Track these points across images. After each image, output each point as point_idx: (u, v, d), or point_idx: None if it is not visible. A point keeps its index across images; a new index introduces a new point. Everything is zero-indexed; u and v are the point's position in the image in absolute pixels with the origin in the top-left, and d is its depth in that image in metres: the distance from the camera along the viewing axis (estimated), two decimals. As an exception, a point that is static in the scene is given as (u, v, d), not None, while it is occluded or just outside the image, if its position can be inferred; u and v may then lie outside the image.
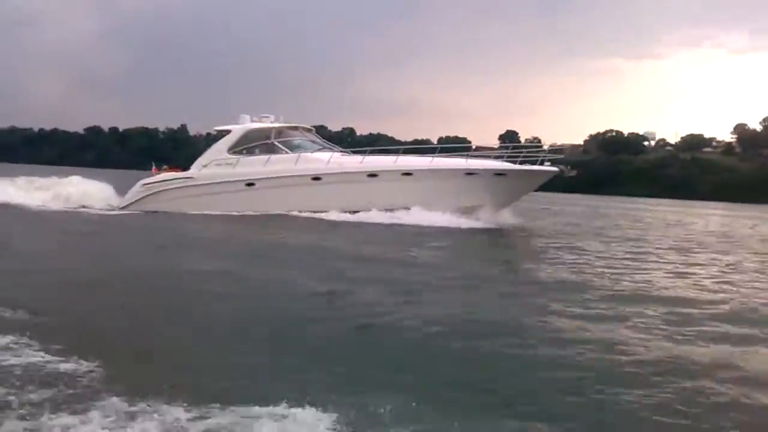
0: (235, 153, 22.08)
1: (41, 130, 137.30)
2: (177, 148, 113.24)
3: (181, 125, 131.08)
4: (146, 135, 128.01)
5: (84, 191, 24.21)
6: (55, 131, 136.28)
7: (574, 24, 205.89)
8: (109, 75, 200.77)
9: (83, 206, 22.41)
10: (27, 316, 6.46)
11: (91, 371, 4.86)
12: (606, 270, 10.89)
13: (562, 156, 21.31)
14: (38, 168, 54.11)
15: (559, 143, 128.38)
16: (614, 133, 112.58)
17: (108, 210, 22.07)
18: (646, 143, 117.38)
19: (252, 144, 22.19)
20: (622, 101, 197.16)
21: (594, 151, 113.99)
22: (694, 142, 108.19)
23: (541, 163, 20.01)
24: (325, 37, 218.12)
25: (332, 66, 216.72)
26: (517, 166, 19.87)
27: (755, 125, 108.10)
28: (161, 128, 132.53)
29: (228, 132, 22.76)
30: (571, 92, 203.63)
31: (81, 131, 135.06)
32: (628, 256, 13.42)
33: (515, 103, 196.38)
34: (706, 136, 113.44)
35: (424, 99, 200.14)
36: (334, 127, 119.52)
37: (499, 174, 19.70)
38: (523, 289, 9.09)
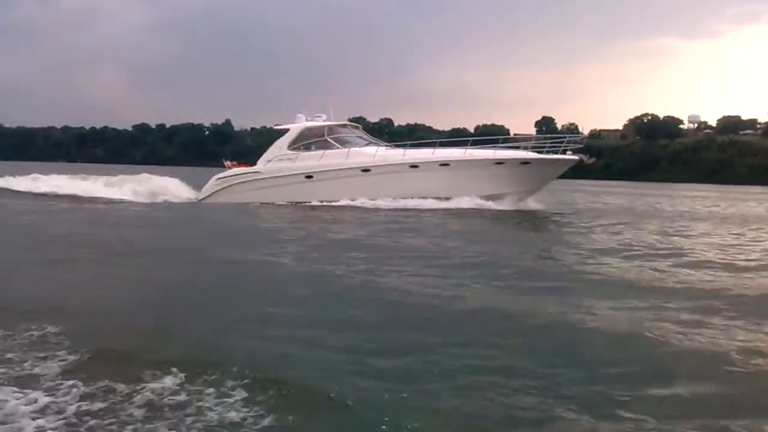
0: (294, 149, 25.03)
1: (92, 128, 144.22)
2: (222, 143, 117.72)
3: (226, 120, 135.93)
4: (192, 130, 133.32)
5: (163, 186, 27.82)
6: (105, 129, 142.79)
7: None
8: (156, 70, 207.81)
9: (165, 199, 25.80)
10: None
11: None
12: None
13: (581, 145, 23.81)
14: (94, 167, 58.16)
15: (599, 128, 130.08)
16: (650, 117, 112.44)
17: (190, 202, 25.64)
18: (685, 127, 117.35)
19: (308, 141, 25.08)
20: (672, 83, 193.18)
21: (631, 136, 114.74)
22: (731, 124, 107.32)
23: (563, 152, 22.86)
24: (374, 27, 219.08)
25: (379, 56, 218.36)
26: (541, 155, 22.64)
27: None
28: (206, 123, 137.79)
29: (287, 131, 25.82)
30: (620, 75, 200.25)
31: (130, 128, 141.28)
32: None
33: (562, 88, 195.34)
34: (746, 117, 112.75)
35: (467, 87, 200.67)
36: (372, 118, 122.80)
37: (525, 163, 22.58)
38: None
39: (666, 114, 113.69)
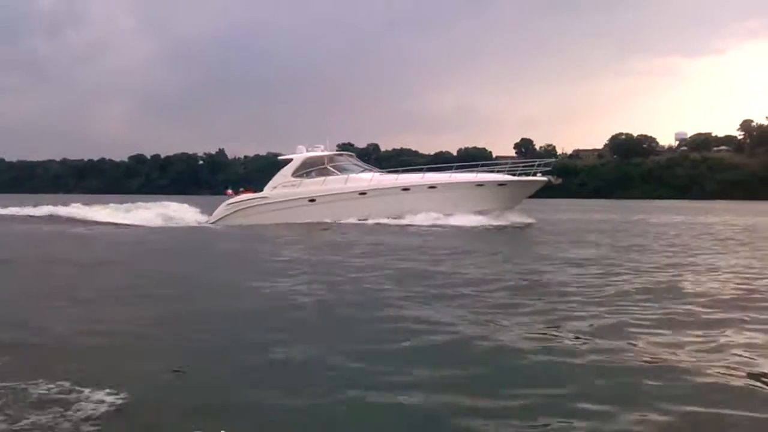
0: (297, 176, 28.15)
1: (90, 160, 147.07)
2: (214, 172, 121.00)
3: (219, 149, 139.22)
4: (187, 161, 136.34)
5: (176, 212, 30.87)
6: (102, 161, 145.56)
7: (632, 20, 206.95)
8: (153, 102, 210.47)
9: (180, 223, 28.40)
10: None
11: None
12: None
13: (551, 168, 27.17)
14: (93, 197, 60.50)
15: (579, 148, 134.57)
16: (624, 136, 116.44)
17: (203, 224, 28.54)
18: (666, 145, 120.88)
19: (310, 169, 28.20)
20: (664, 101, 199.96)
21: (608, 155, 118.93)
22: (700, 141, 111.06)
23: (534, 174, 26.30)
24: (380, 49, 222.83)
25: (370, 83, 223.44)
26: (515, 178, 26.09)
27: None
28: (200, 153, 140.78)
29: (290, 160, 29.03)
30: (613, 95, 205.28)
31: (126, 160, 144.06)
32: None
33: (564, 108, 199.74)
34: (719, 134, 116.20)
35: (456, 112, 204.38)
36: (360, 143, 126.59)
37: (501, 184, 25.98)
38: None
39: (640, 132, 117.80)
